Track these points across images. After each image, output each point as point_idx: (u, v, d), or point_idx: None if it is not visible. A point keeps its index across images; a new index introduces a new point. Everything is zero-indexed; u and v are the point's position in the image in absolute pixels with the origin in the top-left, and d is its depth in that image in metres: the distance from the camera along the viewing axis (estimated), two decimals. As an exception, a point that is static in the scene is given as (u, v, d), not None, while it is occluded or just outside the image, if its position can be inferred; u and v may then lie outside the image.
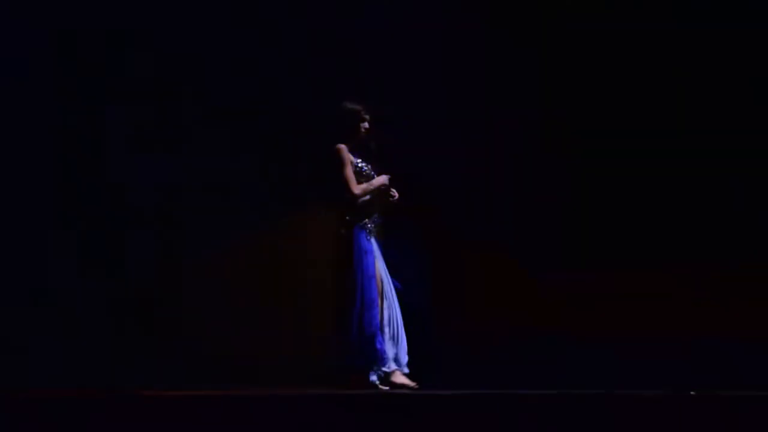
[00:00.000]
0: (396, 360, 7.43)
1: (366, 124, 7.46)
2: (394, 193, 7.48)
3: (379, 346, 7.28)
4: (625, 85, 8.83)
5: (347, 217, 7.37)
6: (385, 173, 7.48)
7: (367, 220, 7.41)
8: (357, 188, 7.34)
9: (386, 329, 7.36)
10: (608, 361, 8.44)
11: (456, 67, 9.08)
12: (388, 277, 7.51)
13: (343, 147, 7.39)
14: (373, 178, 7.45)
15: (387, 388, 7.36)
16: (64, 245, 9.11)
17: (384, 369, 7.35)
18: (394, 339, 7.43)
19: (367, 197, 7.40)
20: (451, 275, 8.90)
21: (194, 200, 9.18)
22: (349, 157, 7.38)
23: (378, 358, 7.31)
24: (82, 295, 9.03)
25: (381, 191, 7.43)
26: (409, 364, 7.55)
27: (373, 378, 7.32)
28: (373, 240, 7.41)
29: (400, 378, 7.40)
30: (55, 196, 9.14)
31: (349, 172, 7.33)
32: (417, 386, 7.41)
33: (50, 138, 9.14)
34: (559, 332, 8.68)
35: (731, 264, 8.52)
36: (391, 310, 7.43)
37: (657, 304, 8.67)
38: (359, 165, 7.42)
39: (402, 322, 7.52)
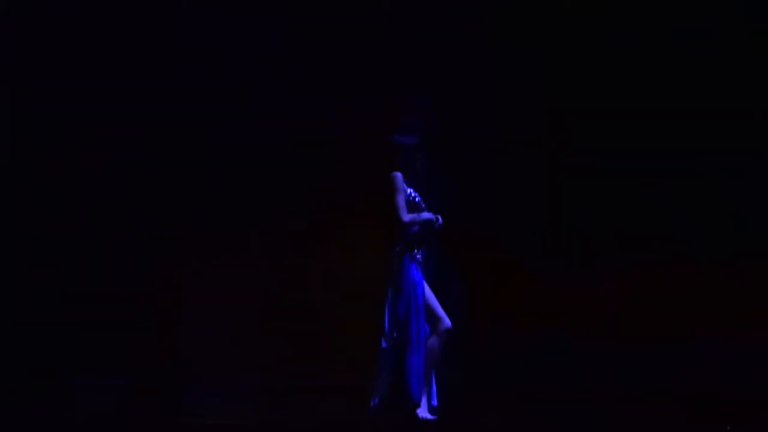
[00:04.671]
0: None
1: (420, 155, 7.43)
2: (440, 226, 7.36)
3: (416, 379, 7.01)
4: (626, 88, 8.83)
5: (397, 249, 7.20)
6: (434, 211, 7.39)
7: (416, 251, 7.28)
8: (406, 216, 7.17)
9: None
10: (609, 361, 8.47)
11: (458, 74, 9.11)
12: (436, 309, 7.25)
13: (399, 175, 7.19)
14: (423, 210, 7.32)
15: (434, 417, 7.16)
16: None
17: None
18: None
19: (416, 228, 7.35)
20: (453, 277, 8.91)
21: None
22: (403, 186, 7.34)
23: (416, 393, 7.04)
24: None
25: (428, 226, 7.22)
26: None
27: (424, 414, 7.12)
28: (419, 271, 7.22)
29: (423, 412, 7.28)
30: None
31: (401, 200, 7.16)
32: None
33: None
34: (561, 332, 8.69)
35: (731, 264, 8.53)
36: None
37: (657, 304, 8.67)
38: (412, 196, 7.28)
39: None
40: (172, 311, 9.19)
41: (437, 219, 7.25)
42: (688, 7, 8.68)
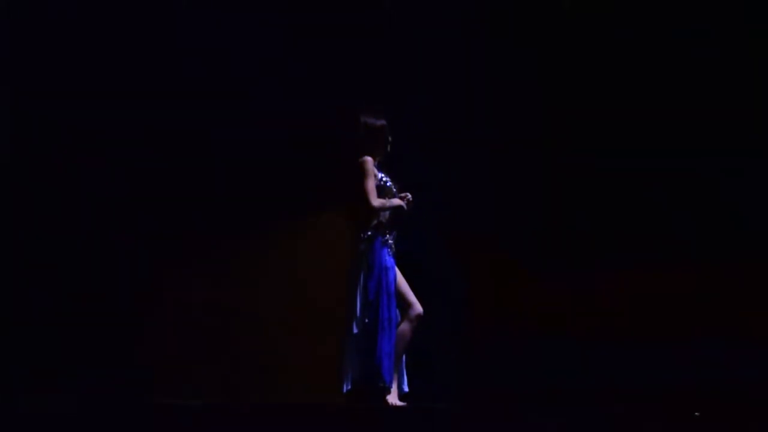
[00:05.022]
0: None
1: (390, 139, 7.36)
2: (410, 207, 7.28)
3: (388, 364, 6.98)
4: (626, 88, 8.84)
5: (368, 232, 7.19)
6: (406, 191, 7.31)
7: (387, 235, 7.22)
8: (376, 201, 7.11)
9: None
10: (609, 361, 8.46)
11: (458, 74, 9.12)
12: (407, 294, 7.24)
13: (369, 159, 7.13)
14: (394, 194, 7.23)
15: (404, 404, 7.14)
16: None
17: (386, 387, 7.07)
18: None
19: (387, 213, 7.18)
20: (454, 276, 8.91)
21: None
22: (373, 170, 7.27)
23: (388, 379, 7.01)
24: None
25: (398, 211, 7.19)
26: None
27: (394, 400, 7.09)
28: (392, 256, 7.18)
29: (394, 398, 7.24)
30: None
31: (371, 185, 7.12)
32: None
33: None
34: (561, 332, 8.69)
35: (731, 264, 8.53)
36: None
37: (657, 304, 8.67)
38: (383, 180, 7.21)
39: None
40: (171, 311, 9.20)
41: (406, 196, 7.21)
42: (688, 7, 8.68)
